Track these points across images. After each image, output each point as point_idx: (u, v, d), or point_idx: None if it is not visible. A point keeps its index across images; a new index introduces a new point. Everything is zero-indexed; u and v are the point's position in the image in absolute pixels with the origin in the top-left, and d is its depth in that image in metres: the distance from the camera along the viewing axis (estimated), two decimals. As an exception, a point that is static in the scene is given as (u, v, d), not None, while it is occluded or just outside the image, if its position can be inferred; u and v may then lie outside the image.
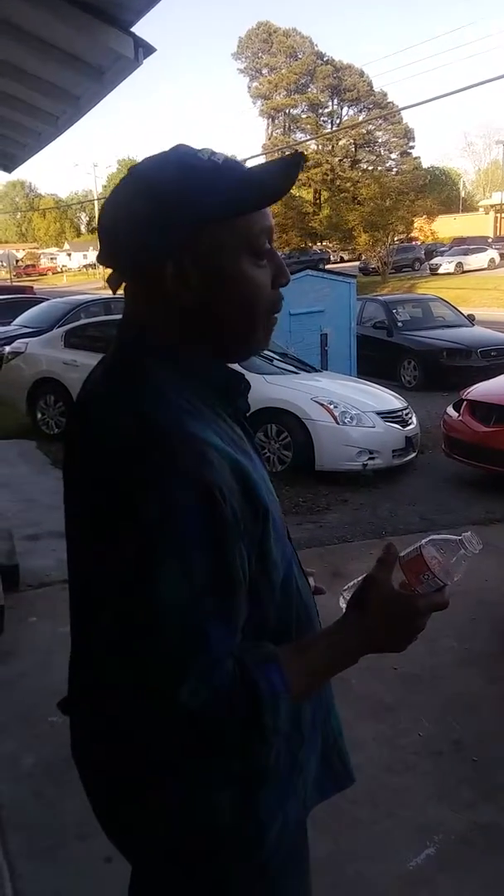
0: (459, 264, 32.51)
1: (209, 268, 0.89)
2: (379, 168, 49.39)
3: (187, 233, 0.87)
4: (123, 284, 0.96)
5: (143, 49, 3.63)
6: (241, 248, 0.90)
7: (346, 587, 0.99)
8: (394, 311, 11.82)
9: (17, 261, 59.69)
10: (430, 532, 4.02)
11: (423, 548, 0.93)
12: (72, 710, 0.99)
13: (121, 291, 0.98)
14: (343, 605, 0.97)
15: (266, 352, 6.06)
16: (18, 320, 11.82)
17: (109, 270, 0.96)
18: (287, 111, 56.11)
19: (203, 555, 0.80)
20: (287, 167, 0.91)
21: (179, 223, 0.87)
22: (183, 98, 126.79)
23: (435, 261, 33.58)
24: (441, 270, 32.06)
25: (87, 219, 78.21)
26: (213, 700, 0.79)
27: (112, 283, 0.96)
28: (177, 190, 0.87)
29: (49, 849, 2.23)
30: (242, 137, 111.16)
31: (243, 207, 0.89)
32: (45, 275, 61.65)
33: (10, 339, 9.64)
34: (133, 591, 0.80)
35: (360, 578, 0.97)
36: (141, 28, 3.52)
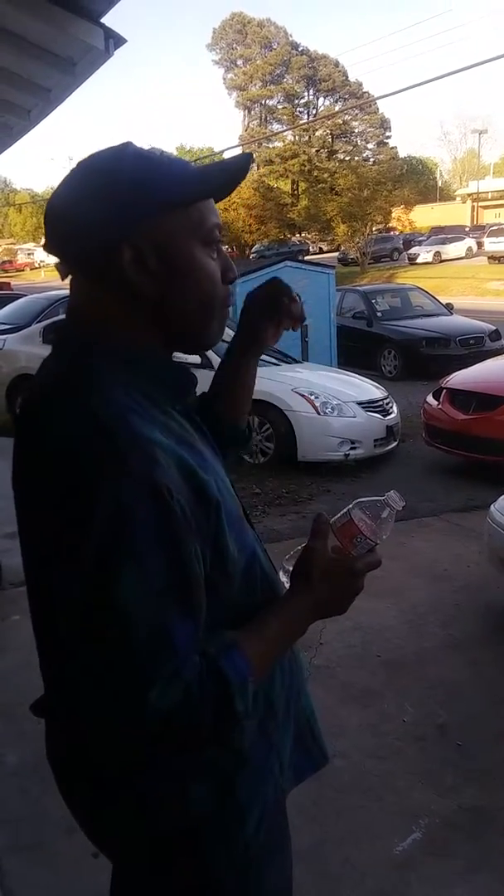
0: (437, 254, 32.65)
1: (167, 254, 0.89)
2: (356, 158, 49.40)
3: (146, 217, 0.87)
4: (70, 276, 0.94)
5: (114, 40, 3.60)
6: (196, 238, 0.91)
7: (286, 558, 1.02)
8: (373, 301, 11.86)
9: (-7, 257, 59.15)
10: (413, 519, 4.05)
11: (351, 512, 0.97)
12: (44, 713, 0.99)
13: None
14: (284, 577, 1.01)
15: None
16: (-4, 317, 11.69)
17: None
18: (263, 102, 55.91)
19: (158, 556, 0.80)
20: (239, 161, 0.94)
21: (139, 208, 0.87)
22: (158, 90, 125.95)
23: (413, 250, 33.70)
24: (419, 260, 32.20)
25: (64, 213, 77.41)
26: (184, 697, 0.80)
27: (62, 270, 0.94)
28: (136, 177, 0.87)
29: (36, 845, 2.23)
30: (219, 129, 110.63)
31: (204, 192, 0.91)
32: (23, 271, 61.07)
33: (-12, 336, 9.54)
34: (91, 598, 0.79)
35: (297, 550, 1.00)
36: (111, 19, 3.49)
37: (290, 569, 0.99)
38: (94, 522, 0.78)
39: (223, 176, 0.94)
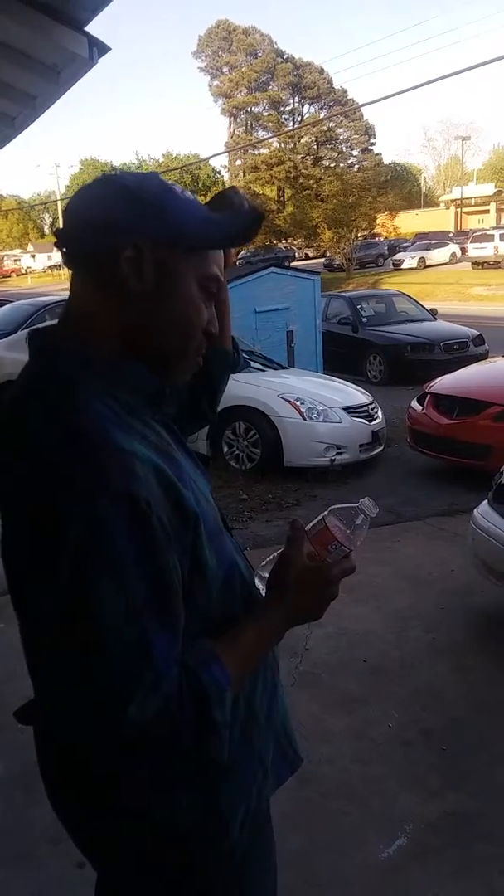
0: (422, 259, 32.85)
1: (164, 271, 0.90)
2: (341, 165, 49.66)
3: (155, 235, 0.88)
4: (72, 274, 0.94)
5: (98, 48, 3.61)
6: (197, 277, 0.93)
7: (261, 565, 1.03)
8: (358, 306, 11.89)
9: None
10: (398, 524, 4.07)
11: (326, 519, 0.99)
12: (30, 720, 0.99)
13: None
14: (260, 584, 1.02)
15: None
16: (-19, 323, 11.63)
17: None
18: (249, 109, 56.03)
19: (137, 569, 0.79)
20: (251, 214, 0.94)
21: (152, 225, 0.88)
22: (145, 97, 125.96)
23: (398, 256, 33.87)
24: (404, 266, 32.37)
25: (51, 220, 77.23)
26: (164, 709, 0.80)
27: (66, 259, 0.95)
28: (157, 202, 0.88)
29: (21, 855, 2.21)
30: (205, 136, 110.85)
31: (211, 242, 0.93)
32: (10, 277, 60.82)
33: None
34: (69, 612, 0.79)
35: (272, 557, 1.01)
36: (95, 27, 3.50)
37: (266, 576, 1.00)
38: (70, 536, 0.77)
39: (233, 229, 0.94)
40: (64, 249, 0.92)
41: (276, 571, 0.99)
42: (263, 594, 1.00)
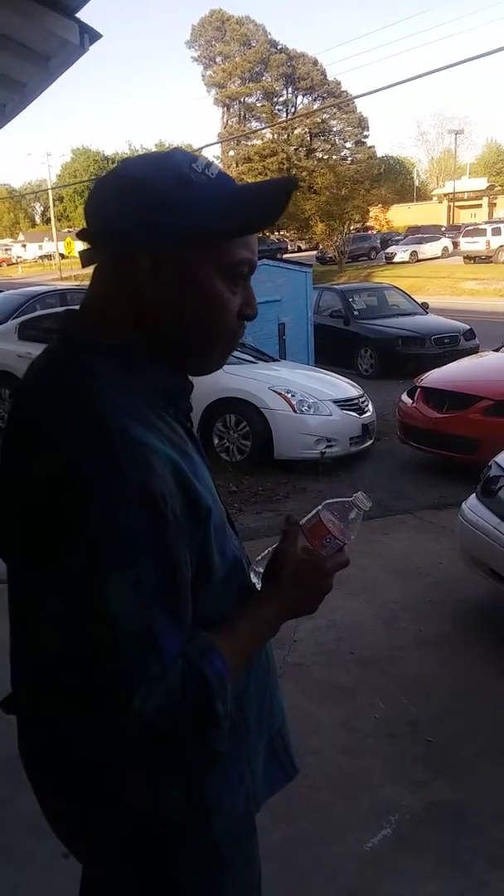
0: (414, 253, 32.88)
1: (183, 272, 0.89)
2: (334, 157, 49.52)
3: (170, 239, 0.87)
4: (95, 265, 0.94)
5: (89, 35, 3.58)
6: (219, 268, 0.90)
7: (257, 559, 1.03)
8: (350, 299, 11.89)
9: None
10: (387, 517, 4.08)
11: (320, 513, 0.99)
12: (16, 709, 0.98)
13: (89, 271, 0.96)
14: (255, 579, 1.01)
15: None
16: (-29, 313, 11.55)
17: (65, 262, 0.95)
18: (242, 100, 55.84)
19: (150, 562, 0.80)
20: (278, 194, 0.91)
21: (163, 230, 0.86)
22: (138, 86, 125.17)
23: (390, 249, 33.90)
24: (396, 259, 32.40)
25: (42, 209, 76.78)
26: (168, 700, 0.80)
27: (84, 259, 0.94)
28: (169, 200, 0.86)
29: (5, 846, 2.21)
30: (198, 125, 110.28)
31: (230, 234, 0.90)
32: (0, 266, 60.43)
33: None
34: (81, 602, 0.79)
35: (267, 551, 1.01)
36: (86, 14, 3.47)
37: (261, 570, 1.00)
38: (89, 526, 0.77)
39: (256, 211, 0.91)
40: (85, 247, 0.92)
41: (271, 565, 0.99)
42: (259, 588, 1.00)
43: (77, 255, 0.99)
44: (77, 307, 0.97)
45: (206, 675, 0.83)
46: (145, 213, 0.86)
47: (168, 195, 0.86)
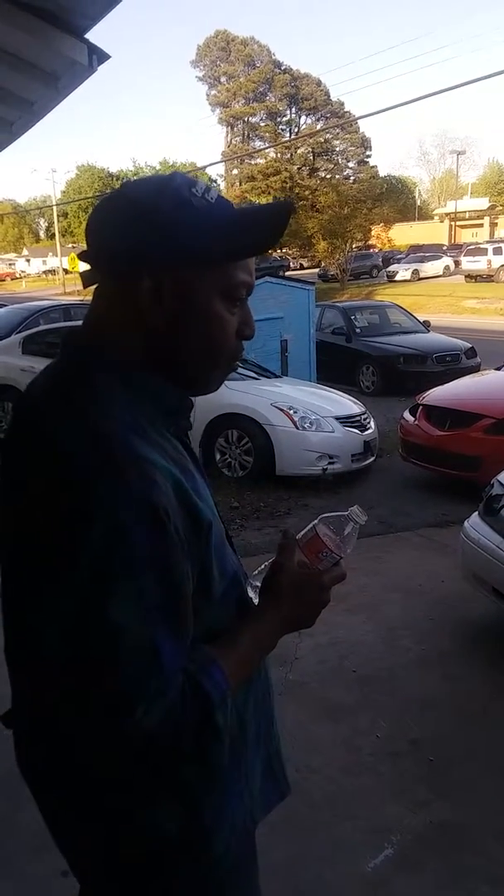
0: (416, 271, 33.06)
1: (184, 296, 0.90)
2: (337, 176, 49.99)
3: (171, 262, 0.89)
4: (96, 285, 0.95)
5: (98, 56, 3.63)
6: (219, 290, 0.92)
7: (254, 574, 1.04)
8: (352, 317, 11.94)
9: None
10: (389, 534, 4.07)
11: (317, 528, 1.00)
12: (14, 724, 0.98)
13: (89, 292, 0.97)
14: (252, 593, 1.02)
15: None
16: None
17: (69, 277, 0.96)
18: (246, 119, 56.38)
19: (153, 576, 0.80)
20: (276, 218, 0.93)
21: (164, 254, 0.88)
22: (143, 105, 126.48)
23: (392, 268, 34.07)
24: (398, 277, 32.56)
25: (46, 224, 77.26)
26: (168, 714, 0.80)
27: (85, 280, 0.96)
28: (170, 223, 0.87)
29: (3, 863, 2.19)
30: (202, 145, 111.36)
31: (230, 258, 0.92)
32: (4, 281, 60.68)
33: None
34: (83, 616, 0.79)
35: (264, 566, 1.02)
36: (95, 35, 3.52)
37: (258, 584, 1.01)
38: (91, 541, 0.78)
39: (257, 235, 0.93)
40: (86, 268, 0.94)
41: (268, 580, 0.99)
42: (256, 602, 1.00)
43: (79, 273, 1.01)
44: (79, 325, 0.98)
45: (207, 688, 0.84)
46: (147, 236, 0.87)
47: (169, 218, 0.87)
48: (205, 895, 0.99)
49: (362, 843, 2.29)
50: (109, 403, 0.86)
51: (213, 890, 1.00)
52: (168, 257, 0.88)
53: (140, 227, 0.87)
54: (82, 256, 0.94)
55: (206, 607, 0.92)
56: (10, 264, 68.02)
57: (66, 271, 42.87)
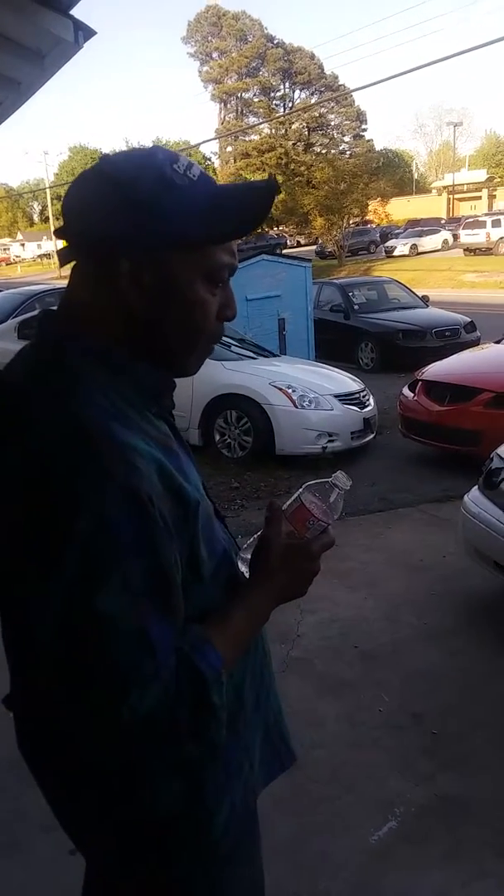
0: (414, 246, 32.79)
1: (163, 277, 0.88)
2: (332, 151, 49.37)
3: (151, 243, 0.87)
4: (74, 263, 0.93)
5: (84, 32, 3.57)
6: (200, 272, 0.90)
7: (242, 549, 1.03)
8: (350, 294, 11.87)
9: (-32, 252, 58.36)
10: (390, 510, 4.07)
11: (301, 496, 0.99)
12: (14, 707, 0.98)
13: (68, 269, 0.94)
14: (243, 567, 1.01)
15: (224, 338, 6.06)
16: (-30, 312, 11.55)
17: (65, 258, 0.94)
18: (239, 95, 55.66)
19: (140, 563, 0.80)
20: (261, 198, 0.91)
21: (144, 235, 0.86)
22: (134, 82, 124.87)
23: (390, 243, 33.80)
24: (396, 253, 32.31)
25: (40, 208, 76.68)
26: (162, 697, 0.80)
27: (62, 257, 0.93)
28: (151, 203, 0.85)
29: (12, 843, 2.22)
30: (195, 122, 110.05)
31: (212, 240, 0.89)
32: (-1, 266, 60.41)
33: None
34: (72, 606, 0.78)
35: (252, 539, 1.02)
36: (80, 11, 3.46)
37: (248, 557, 1.01)
38: (76, 531, 0.77)
39: (240, 216, 0.90)
40: (64, 246, 0.91)
41: (257, 553, 0.99)
42: (247, 576, 1.00)
43: (56, 251, 0.99)
44: (54, 308, 0.96)
45: (200, 668, 0.84)
46: (126, 216, 0.85)
47: (150, 198, 0.85)
48: (206, 870, 1.00)
49: (366, 816, 2.31)
50: (88, 389, 0.84)
51: (215, 865, 1.00)
52: (147, 239, 0.86)
53: (118, 206, 0.85)
54: (59, 233, 0.91)
55: (197, 588, 0.92)
56: (4, 249, 67.65)
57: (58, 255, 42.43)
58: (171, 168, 0.87)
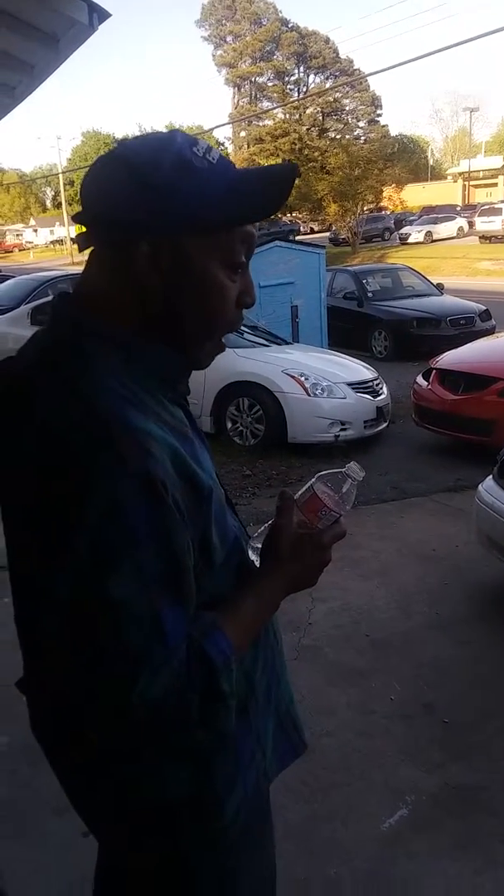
0: (429, 233, 32.50)
1: (182, 260, 0.88)
2: (347, 137, 48.84)
3: (170, 226, 0.86)
4: (91, 248, 0.92)
5: (98, 14, 3.54)
6: (219, 257, 0.89)
7: (253, 537, 1.03)
8: (364, 281, 11.79)
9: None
10: (403, 500, 4.06)
11: (314, 486, 0.99)
12: (27, 691, 0.99)
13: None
14: (254, 556, 1.01)
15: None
16: (-16, 298, 11.59)
17: (76, 247, 0.93)
18: (253, 79, 55.22)
19: (152, 548, 0.79)
20: (280, 182, 0.90)
21: (163, 219, 0.85)
22: (148, 66, 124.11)
23: (404, 230, 33.50)
24: (411, 240, 32.04)
25: (53, 193, 76.59)
26: (172, 683, 0.80)
27: (81, 242, 0.92)
28: (171, 186, 0.84)
29: (25, 825, 2.24)
30: (209, 106, 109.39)
31: (232, 223, 0.89)
32: (12, 252, 60.42)
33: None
34: (84, 591, 0.78)
35: (264, 528, 1.01)
36: (94, -8, 3.42)
37: (259, 546, 1.00)
38: (89, 516, 0.77)
39: (260, 199, 0.90)
40: (82, 232, 0.91)
41: (269, 541, 0.98)
42: (258, 565, 1.00)
43: (75, 236, 0.98)
44: (69, 290, 0.95)
45: (211, 655, 0.83)
46: (145, 199, 0.84)
47: (170, 181, 0.84)
48: (216, 856, 1.00)
49: (377, 803, 2.32)
50: (103, 373, 0.84)
51: (225, 851, 1.00)
52: (167, 222, 0.85)
53: (138, 189, 0.84)
54: (77, 218, 0.91)
55: (208, 575, 0.92)
56: (17, 235, 67.64)
57: (73, 241, 42.42)
58: (190, 151, 0.86)
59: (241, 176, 0.89)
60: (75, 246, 0.92)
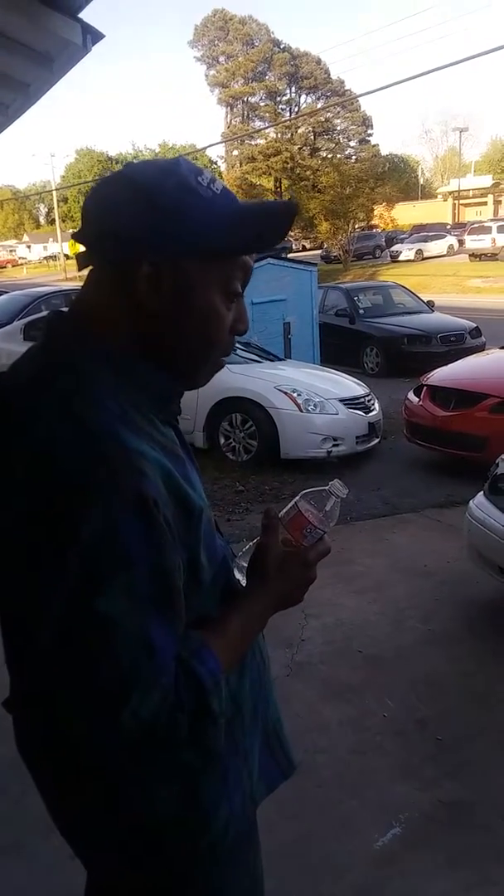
0: (419, 251, 32.82)
1: (184, 285, 0.88)
2: (338, 156, 49.34)
3: (174, 250, 0.87)
4: (90, 268, 0.93)
5: (92, 35, 3.58)
6: (218, 284, 0.91)
7: (239, 556, 1.03)
8: (355, 298, 11.87)
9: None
10: (394, 515, 4.06)
11: (298, 504, 1.00)
12: (14, 709, 0.98)
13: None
14: (239, 575, 1.01)
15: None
16: (-23, 314, 11.59)
17: (70, 262, 0.94)
18: (245, 99, 55.82)
19: (144, 568, 0.79)
20: (281, 216, 0.92)
21: (165, 241, 0.86)
22: (141, 86, 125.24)
23: (395, 248, 33.83)
24: (401, 257, 32.34)
25: (46, 210, 76.94)
26: (163, 702, 0.80)
27: (81, 261, 0.93)
28: (176, 210, 0.85)
29: (12, 845, 2.22)
30: (202, 126, 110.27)
31: (235, 251, 0.91)
32: (5, 267, 60.49)
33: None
34: (75, 610, 0.78)
35: (249, 546, 1.02)
36: (89, 14, 3.47)
37: (245, 565, 1.01)
38: (82, 535, 0.77)
39: (262, 231, 0.91)
40: (82, 250, 0.91)
41: (254, 560, 0.99)
42: (243, 584, 1.00)
43: (75, 255, 0.99)
44: (63, 309, 0.96)
45: (200, 674, 0.84)
46: (150, 220, 0.85)
47: (175, 203, 0.85)
48: (203, 875, 0.99)
49: (370, 821, 2.30)
50: (96, 392, 0.84)
51: (212, 869, 1.00)
52: (170, 244, 0.86)
53: (143, 210, 0.85)
54: (77, 237, 0.91)
55: (196, 594, 0.91)
56: (10, 251, 67.77)
57: (66, 257, 42.82)
58: (195, 179, 0.87)
59: (245, 207, 0.91)
60: (69, 262, 0.92)
